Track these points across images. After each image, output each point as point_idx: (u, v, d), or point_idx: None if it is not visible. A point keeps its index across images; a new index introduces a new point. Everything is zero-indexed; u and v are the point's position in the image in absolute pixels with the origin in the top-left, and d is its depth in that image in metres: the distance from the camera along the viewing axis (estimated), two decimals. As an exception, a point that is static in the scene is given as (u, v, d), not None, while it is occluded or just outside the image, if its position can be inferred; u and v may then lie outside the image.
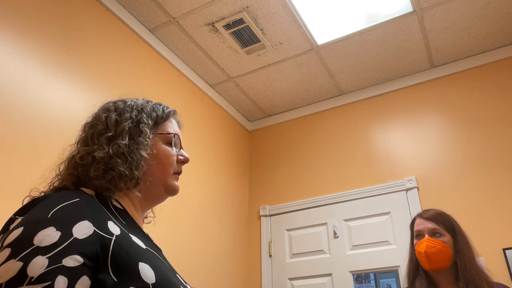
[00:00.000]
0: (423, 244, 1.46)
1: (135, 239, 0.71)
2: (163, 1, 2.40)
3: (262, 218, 3.11)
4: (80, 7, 2.15)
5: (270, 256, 2.95)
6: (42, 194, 0.76)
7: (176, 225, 2.41)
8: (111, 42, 2.29)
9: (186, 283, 0.76)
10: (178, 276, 0.75)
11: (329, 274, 2.69)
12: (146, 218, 0.93)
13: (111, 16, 2.34)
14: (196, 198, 2.64)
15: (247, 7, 2.42)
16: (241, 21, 2.49)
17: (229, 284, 2.74)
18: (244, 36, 2.62)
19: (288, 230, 2.98)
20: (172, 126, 0.92)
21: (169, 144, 0.89)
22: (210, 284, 2.56)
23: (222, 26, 2.54)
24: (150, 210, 0.92)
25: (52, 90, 1.86)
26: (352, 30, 2.61)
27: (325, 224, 2.86)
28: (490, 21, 2.55)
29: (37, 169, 1.66)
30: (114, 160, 0.78)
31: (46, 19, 1.94)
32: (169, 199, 2.61)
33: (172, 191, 0.88)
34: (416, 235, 1.54)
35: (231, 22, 2.51)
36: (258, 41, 2.66)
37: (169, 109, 0.93)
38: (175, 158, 0.89)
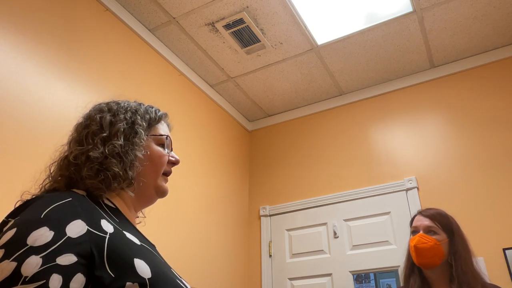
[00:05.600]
0: (415, 239, 1.50)
1: (129, 235, 0.72)
2: (163, 1, 2.40)
3: (262, 218, 3.11)
4: (80, 7, 2.15)
5: (270, 256, 2.95)
6: (34, 196, 0.76)
7: (176, 225, 2.41)
8: (111, 42, 2.29)
9: (181, 277, 0.77)
10: (173, 271, 0.76)
11: (329, 274, 2.69)
12: (137, 217, 0.94)
13: (111, 16, 2.34)
14: (196, 198, 2.64)
15: (247, 7, 2.43)
16: (241, 21, 2.49)
17: (229, 284, 2.74)
18: (244, 36, 2.62)
19: (288, 230, 2.98)
20: (163, 128, 0.94)
21: (161, 145, 0.91)
22: (210, 284, 2.56)
23: (222, 26, 2.54)
24: (140, 211, 0.94)
25: (52, 90, 1.86)
26: (352, 30, 2.61)
27: (325, 224, 2.86)
28: (490, 21, 2.55)
29: (37, 170, 1.65)
30: (109, 160, 0.79)
31: (46, 19, 1.94)
32: (170, 198, 2.59)
33: (162, 192, 0.90)
34: (412, 231, 1.57)
35: (231, 22, 2.51)
36: (258, 41, 2.66)
37: (161, 112, 0.96)
38: (166, 158, 0.91)
